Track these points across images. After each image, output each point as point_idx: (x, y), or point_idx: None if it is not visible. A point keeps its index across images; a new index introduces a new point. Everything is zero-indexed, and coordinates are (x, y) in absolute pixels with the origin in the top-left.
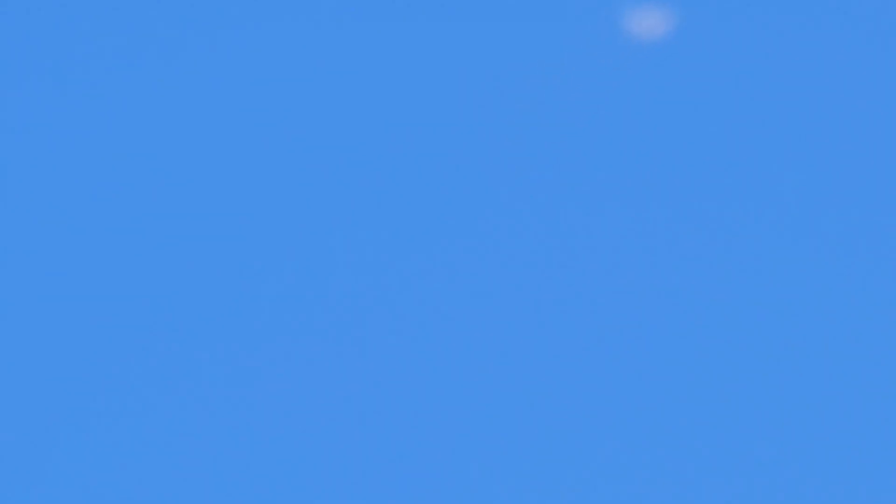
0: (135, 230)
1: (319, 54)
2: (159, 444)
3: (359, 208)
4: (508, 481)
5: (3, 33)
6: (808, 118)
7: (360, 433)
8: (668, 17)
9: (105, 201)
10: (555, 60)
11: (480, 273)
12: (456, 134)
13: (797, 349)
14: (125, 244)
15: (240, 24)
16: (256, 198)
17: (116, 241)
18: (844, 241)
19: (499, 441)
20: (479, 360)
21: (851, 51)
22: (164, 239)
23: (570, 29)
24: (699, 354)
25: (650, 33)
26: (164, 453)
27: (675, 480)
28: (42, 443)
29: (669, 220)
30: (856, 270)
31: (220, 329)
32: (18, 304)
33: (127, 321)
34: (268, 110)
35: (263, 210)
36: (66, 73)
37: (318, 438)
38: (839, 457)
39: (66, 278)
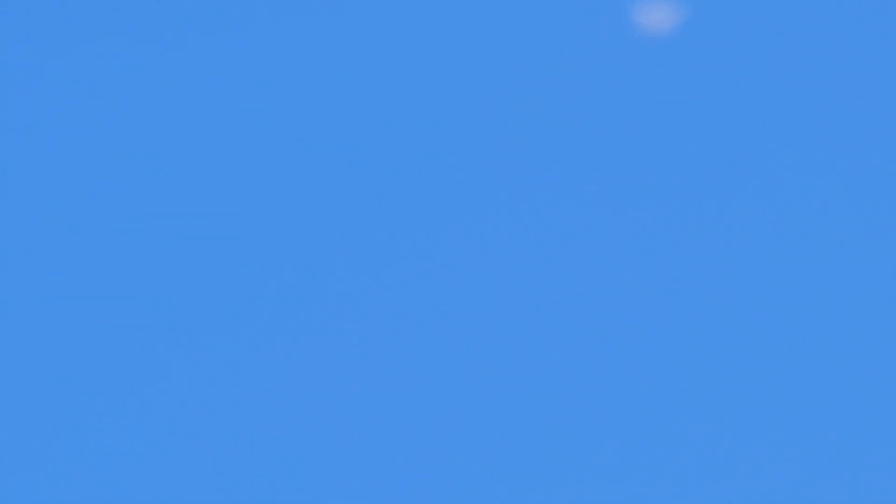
0: (132, 228)
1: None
2: (158, 443)
3: (361, 206)
4: (507, 481)
5: (3, 33)
6: (818, 112)
7: (358, 432)
8: (676, 11)
9: (102, 200)
10: (564, 55)
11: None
12: (463, 129)
13: (797, 349)
14: (122, 243)
15: (240, 23)
16: (256, 197)
17: (114, 239)
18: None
19: (498, 441)
20: (479, 360)
21: (861, 45)
22: (162, 239)
23: (578, 23)
24: (699, 354)
25: (658, 28)
26: (162, 452)
27: (675, 480)
28: (41, 443)
29: (678, 215)
30: (860, 270)
31: (219, 328)
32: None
33: (123, 320)
34: (267, 109)
35: (262, 209)
36: (65, 73)
37: (317, 438)
38: (839, 457)
39: (65, 277)
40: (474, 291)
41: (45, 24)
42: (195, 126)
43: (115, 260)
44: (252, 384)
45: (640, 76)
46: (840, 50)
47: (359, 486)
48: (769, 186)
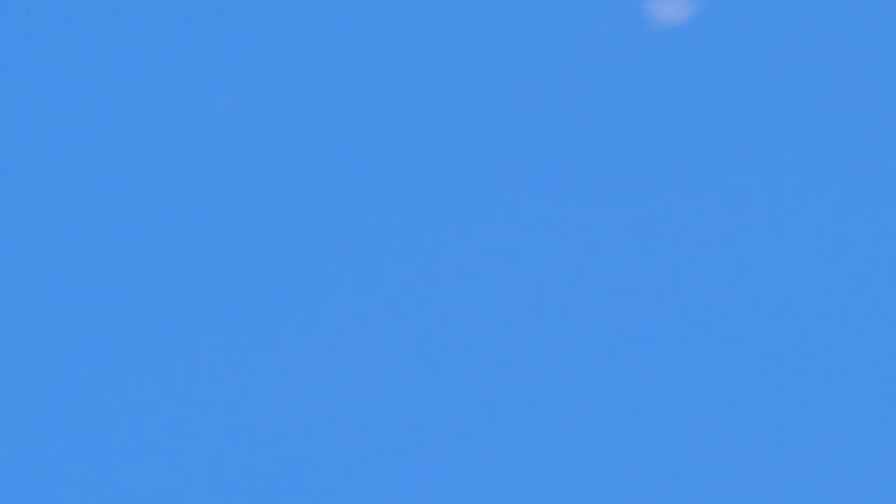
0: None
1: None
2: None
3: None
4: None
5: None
6: (832, 104)
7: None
8: (689, 4)
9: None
10: (578, 47)
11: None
12: (476, 123)
13: (797, 348)
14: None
15: (239, 23)
16: (255, 196)
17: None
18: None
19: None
20: (479, 359)
21: (875, 39)
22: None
23: (592, 16)
24: (699, 353)
25: (672, 20)
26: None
27: (675, 480)
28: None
29: (691, 207)
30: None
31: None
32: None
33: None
34: (267, 108)
35: (261, 208)
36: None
37: (316, 437)
38: (839, 457)
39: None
40: (474, 290)
41: (44, 22)
42: (194, 125)
43: (114, 258)
44: (251, 384)
45: (653, 69)
46: (856, 44)
47: (359, 486)
48: (786, 180)
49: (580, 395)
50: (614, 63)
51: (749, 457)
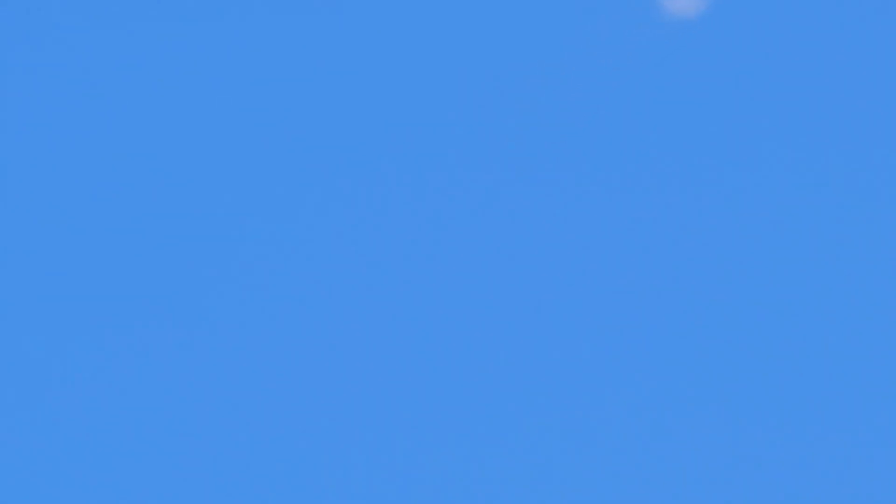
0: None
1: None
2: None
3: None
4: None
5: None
6: (847, 97)
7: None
8: None
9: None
10: (590, 39)
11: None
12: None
13: (797, 348)
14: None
15: (239, 22)
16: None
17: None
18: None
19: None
20: (478, 358)
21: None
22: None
23: (605, 7)
24: (699, 353)
25: (686, 11)
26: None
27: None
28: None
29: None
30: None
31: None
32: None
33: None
34: (267, 107)
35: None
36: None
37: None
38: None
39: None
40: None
41: (44, 22)
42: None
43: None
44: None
45: (666, 60)
46: (870, 41)
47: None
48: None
49: (579, 394)
50: (627, 56)
51: (749, 457)
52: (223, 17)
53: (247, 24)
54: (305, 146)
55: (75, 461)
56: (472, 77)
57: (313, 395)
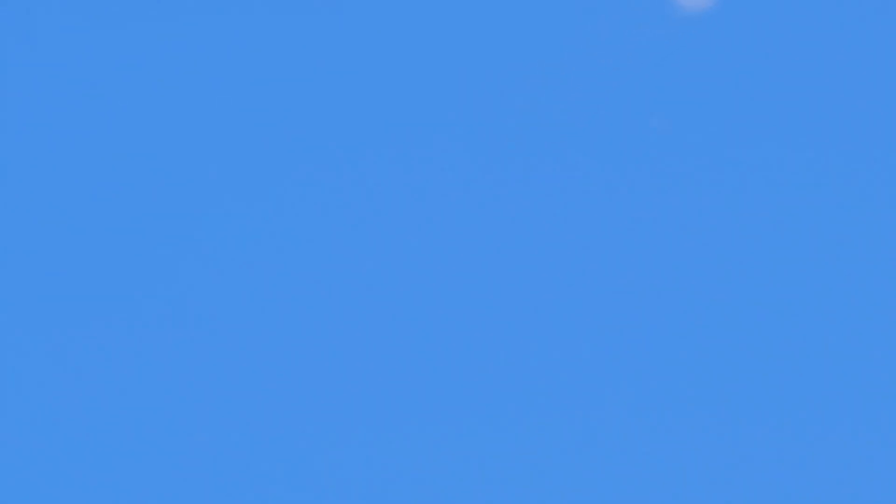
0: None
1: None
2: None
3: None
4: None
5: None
6: (859, 91)
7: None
8: None
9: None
10: (600, 33)
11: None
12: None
13: (797, 348)
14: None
15: (239, 21)
16: (254, 195)
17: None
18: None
19: (497, 439)
20: (478, 357)
21: None
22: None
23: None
24: (699, 352)
25: (695, 7)
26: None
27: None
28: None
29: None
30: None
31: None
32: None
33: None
34: (265, 106)
35: (261, 207)
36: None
37: (315, 437)
38: (839, 456)
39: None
40: (475, 288)
41: (44, 22)
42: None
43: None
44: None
45: (678, 54)
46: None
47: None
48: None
49: (579, 393)
50: (636, 52)
51: (749, 456)
52: (223, 17)
53: (246, 24)
54: (305, 145)
55: (75, 461)
56: (480, 73)
57: (309, 392)
